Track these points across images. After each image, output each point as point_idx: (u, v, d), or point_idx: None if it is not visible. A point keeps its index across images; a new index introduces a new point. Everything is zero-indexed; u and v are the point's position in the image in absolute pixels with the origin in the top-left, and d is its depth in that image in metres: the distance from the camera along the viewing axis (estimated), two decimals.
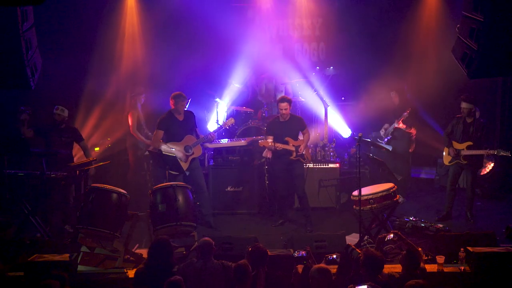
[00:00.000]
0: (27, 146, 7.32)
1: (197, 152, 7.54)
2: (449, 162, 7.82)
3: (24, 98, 8.30)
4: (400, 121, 8.50)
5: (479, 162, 7.87)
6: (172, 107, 7.47)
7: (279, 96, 9.82)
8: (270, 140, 7.50)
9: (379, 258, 4.85)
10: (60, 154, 7.49)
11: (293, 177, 7.61)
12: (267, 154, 7.74)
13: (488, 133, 7.87)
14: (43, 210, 7.16)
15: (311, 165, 8.27)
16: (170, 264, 5.10)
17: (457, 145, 7.72)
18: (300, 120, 7.78)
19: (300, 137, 7.68)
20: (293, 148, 7.49)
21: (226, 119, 9.53)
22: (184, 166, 7.40)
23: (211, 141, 8.01)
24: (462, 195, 8.07)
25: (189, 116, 7.60)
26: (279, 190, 7.83)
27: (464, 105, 7.62)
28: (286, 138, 7.49)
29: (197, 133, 7.66)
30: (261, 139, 7.94)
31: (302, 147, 7.50)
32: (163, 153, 7.34)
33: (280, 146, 7.46)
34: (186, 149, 7.42)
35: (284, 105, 7.46)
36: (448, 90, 9.12)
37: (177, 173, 7.37)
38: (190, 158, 7.44)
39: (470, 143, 7.62)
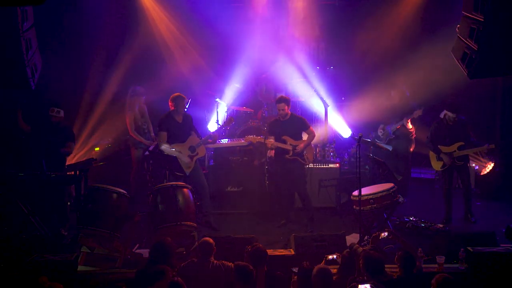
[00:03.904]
0: (27, 146, 7.34)
1: (201, 152, 7.55)
2: (442, 167, 7.76)
3: (24, 98, 8.31)
4: (409, 120, 8.47)
5: (467, 157, 7.82)
6: (172, 108, 7.45)
7: (279, 96, 9.86)
8: (271, 140, 7.50)
9: (379, 258, 4.85)
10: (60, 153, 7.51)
11: (293, 177, 7.60)
12: (271, 153, 7.73)
13: (471, 128, 7.80)
14: (41, 210, 7.16)
15: (311, 165, 8.24)
16: (171, 266, 5.09)
17: (446, 149, 7.67)
18: (302, 120, 7.73)
19: (304, 137, 7.65)
20: (289, 147, 7.48)
21: (226, 119, 9.56)
22: (190, 166, 7.40)
23: (215, 141, 7.98)
24: (459, 196, 8.04)
25: (187, 118, 7.60)
26: (280, 189, 7.81)
27: (450, 114, 7.58)
28: (284, 137, 7.48)
29: (198, 134, 7.67)
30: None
31: (300, 146, 7.48)
32: (166, 153, 7.34)
33: (272, 143, 7.45)
34: (191, 149, 7.42)
35: (281, 105, 7.48)
36: (447, 90, 9.11)
37: (181, 175, 7.35)
38: (195, 158, 7.45)
39: (461, 143, 7.60)
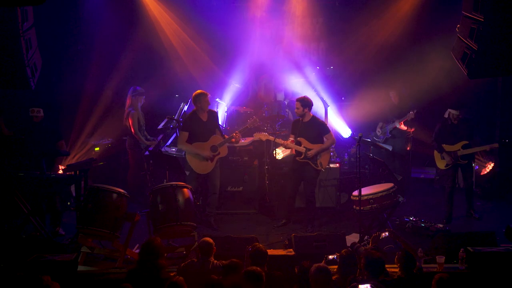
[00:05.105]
0: (27, 146, 7.34)
1: (223, 152, 7.50)
2: (446, 166, 7.78)
3: (24, 98, 8.32)
4: (402, 122, 8.51)
5: (473, 155, 7.87)
6: (195, 107, 7.43)
7: (279, 96, 9.86)
8: (291, 138, 7.50)
9: (380, 258, 4.85)
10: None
11: (304, 180, 7.57)
12: (292, 151, 7.68)
13: (476, 127, 7.87)
14: (40, 210, 7.17)
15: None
16: (158, 266, 5.05)
17: (450, 148, 7.70)
18: (322, 124, 7.66)
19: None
20: (302, 150, 7.42)
21: (226, 118, 9.56)
22: (210, 166, 7.38)
23: (238, 141, 7.79)
24: (459, 195, 8.04)
25: (212, 115, 7.56)
26: (288, 190, 7.79)
27: (453, 112, 7.64)
28: (299, 139, 7.44)
29: (221, 132, 7.63)
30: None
31: (312, 151, 7.38)
32: (186, 155, 7.30)
33: (286, 144, 7.43)
34: (213, 149, 7.39)
35: (296, 104, 7.47)
36: (447, 90, 9.12)
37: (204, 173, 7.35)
38: (216, 158, 7.43)
39: (465, 142, 7.63)
